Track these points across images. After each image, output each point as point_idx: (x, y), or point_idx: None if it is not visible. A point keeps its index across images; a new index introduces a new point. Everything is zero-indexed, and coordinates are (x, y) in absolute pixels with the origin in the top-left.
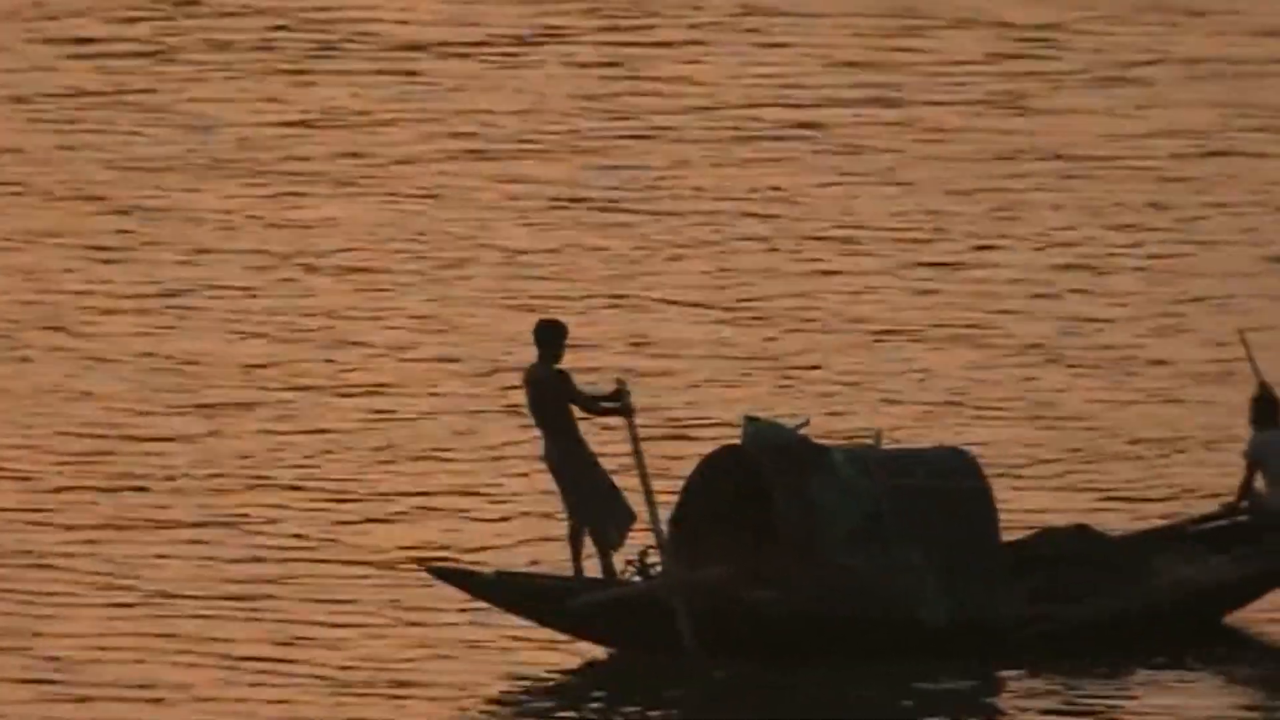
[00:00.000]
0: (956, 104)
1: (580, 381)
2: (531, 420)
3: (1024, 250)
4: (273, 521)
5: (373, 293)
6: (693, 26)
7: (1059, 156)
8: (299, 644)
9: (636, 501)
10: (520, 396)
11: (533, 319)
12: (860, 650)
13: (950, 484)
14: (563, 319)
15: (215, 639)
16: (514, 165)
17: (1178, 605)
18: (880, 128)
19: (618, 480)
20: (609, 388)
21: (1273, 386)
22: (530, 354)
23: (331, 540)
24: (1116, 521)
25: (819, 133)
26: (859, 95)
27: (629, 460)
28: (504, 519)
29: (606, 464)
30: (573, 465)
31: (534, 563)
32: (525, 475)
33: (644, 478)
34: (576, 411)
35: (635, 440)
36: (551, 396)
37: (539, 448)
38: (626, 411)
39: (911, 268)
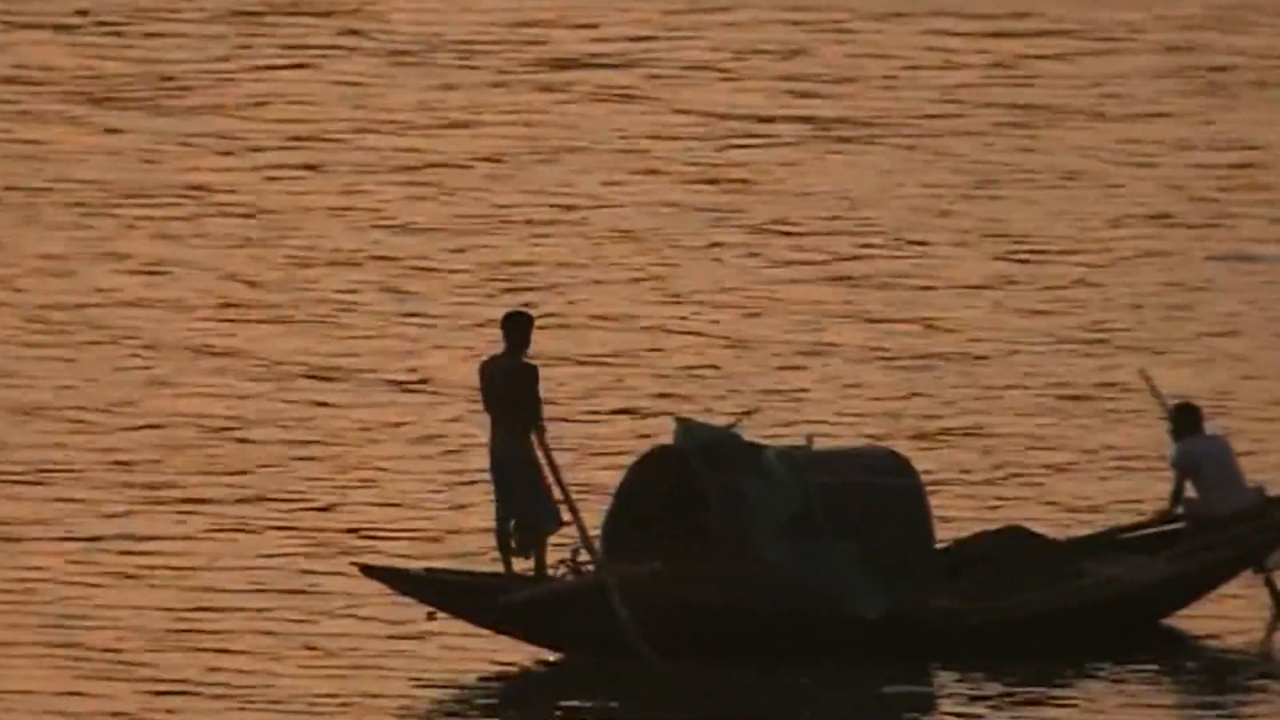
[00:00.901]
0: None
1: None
2: (483, 411)
3: (962, 258)
4: (208, 523)
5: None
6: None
7: (983, 163)
8: (229, 650)
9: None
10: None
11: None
12: (794, 647)
13: (882, 481)
14: (527, 310)
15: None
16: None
17: (1113, 603)
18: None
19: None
20: None
21: (1172, 411)
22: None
23: (262, 539)
24: (1049, 531)
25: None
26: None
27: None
28: (436, 515)
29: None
30: (517, 460)
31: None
32: (464, 472)
33: (559, 479)
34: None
35: (546, 447)
36: (519, 387)
37: (487, 439)
38: (538, 430)
39: (847, 280)
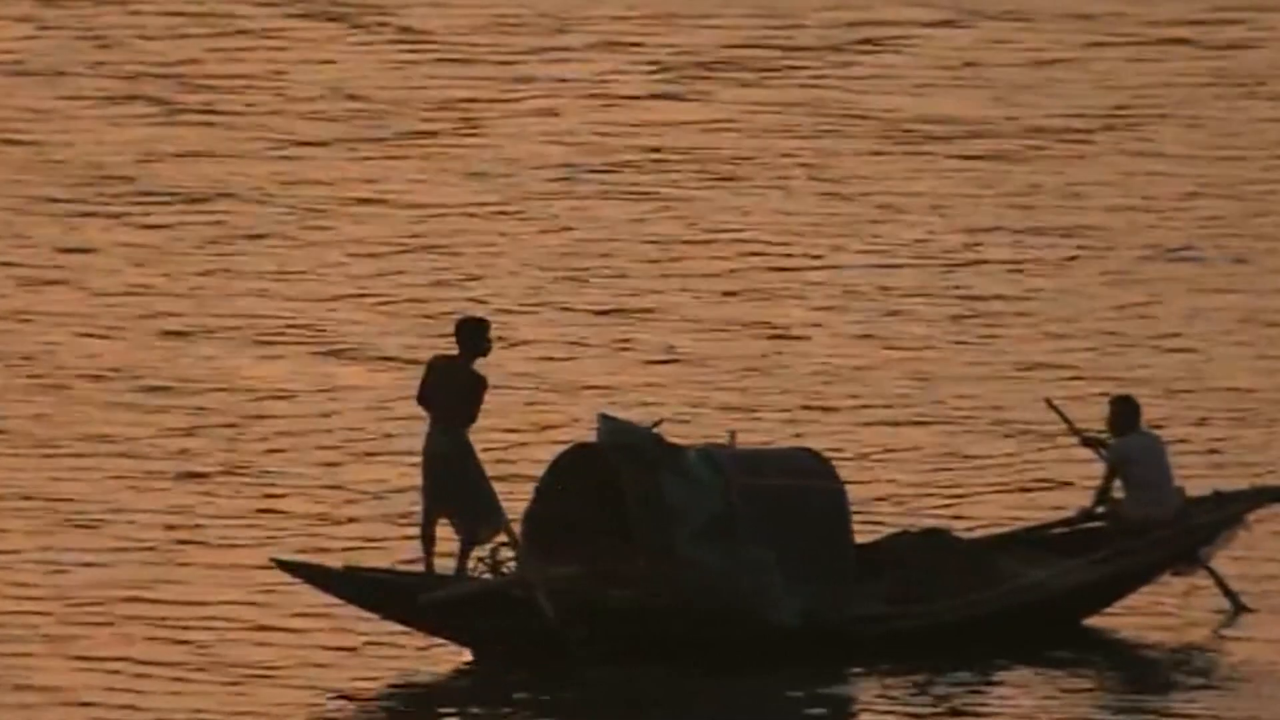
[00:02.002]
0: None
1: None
2: (419, 405)
3: (892, 248)
4: (128, 517)
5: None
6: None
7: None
8: (153, 642)
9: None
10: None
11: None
12: (711, 648)
13: (803, 483)
14: (483, 316)
15: (74, 638)
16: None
17: (1032, 607)
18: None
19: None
20: None
21: (1089, 441)
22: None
23: (185, 535)
24: (973, 524)
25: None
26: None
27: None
28: (359, 514)
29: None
30: (455, 461)
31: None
32: (389, 469)
33: (482, 475)
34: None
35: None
36: (467, 392)
37: (425, 438)
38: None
39: (776, 271)
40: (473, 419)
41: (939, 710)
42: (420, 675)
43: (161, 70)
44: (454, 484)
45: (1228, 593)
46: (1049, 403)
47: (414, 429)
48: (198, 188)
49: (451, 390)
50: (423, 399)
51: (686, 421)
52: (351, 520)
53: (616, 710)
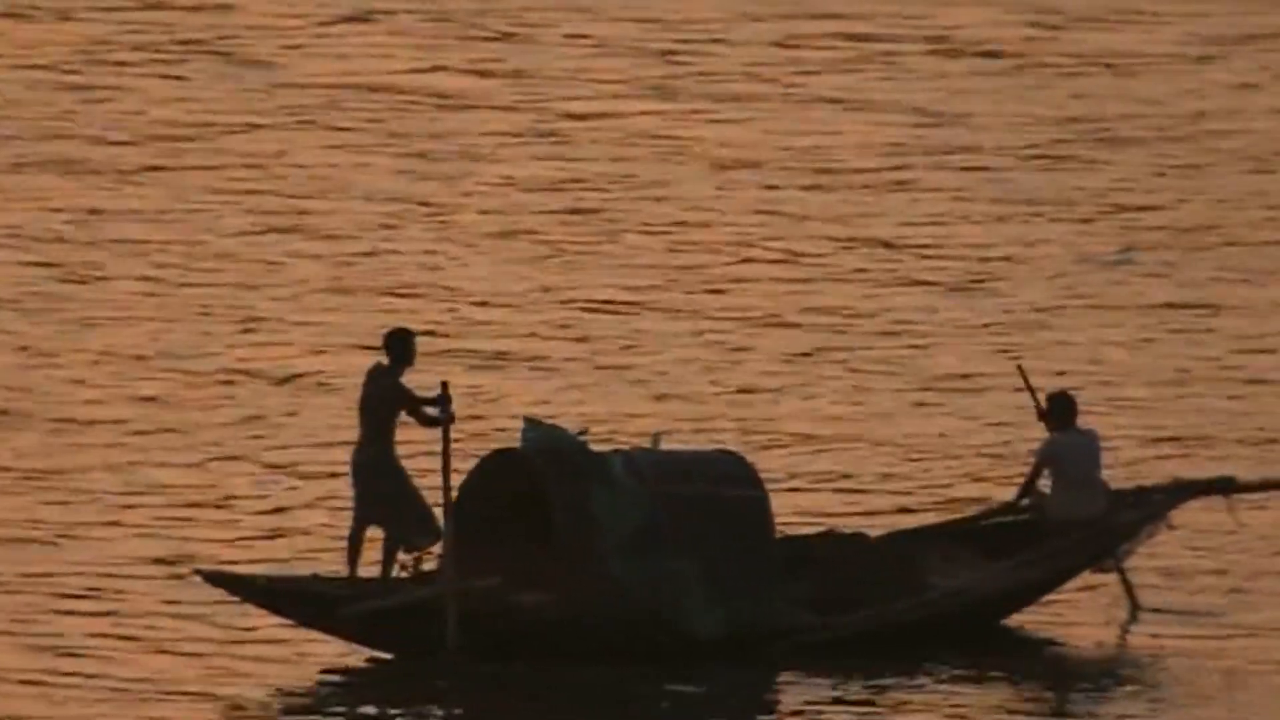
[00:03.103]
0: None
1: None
2: (357, 419)
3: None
4: (46, 526)
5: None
6: None
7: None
8: (72, 651)
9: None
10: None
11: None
12: (632, 658)
13: (726, 492)
14: (410, 327)
15: None
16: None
17: (954, 612)
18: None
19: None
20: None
21: (1047, 414)
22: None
23: (106, 543)
24: (895, 517)
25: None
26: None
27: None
28: (282, 523)
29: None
30: (379, 470)
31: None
32: (311, 479)
33: (446, 484)
34: (401, 420)
35: (447, 446)
36: (385, 401)
37: (353, 449)
38: (446, 418)
39: (703, 268)
40: (391, 430)
41: (860, 713)
42: (341, 679)
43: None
44: (376, 492)
45: (1129, 591)
46: (1020, 369)
47: (346, 438)
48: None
49: (374, 399)
50: (359, 410)
51: (611, 424)
52: (279, 530)
53: (524, 708)
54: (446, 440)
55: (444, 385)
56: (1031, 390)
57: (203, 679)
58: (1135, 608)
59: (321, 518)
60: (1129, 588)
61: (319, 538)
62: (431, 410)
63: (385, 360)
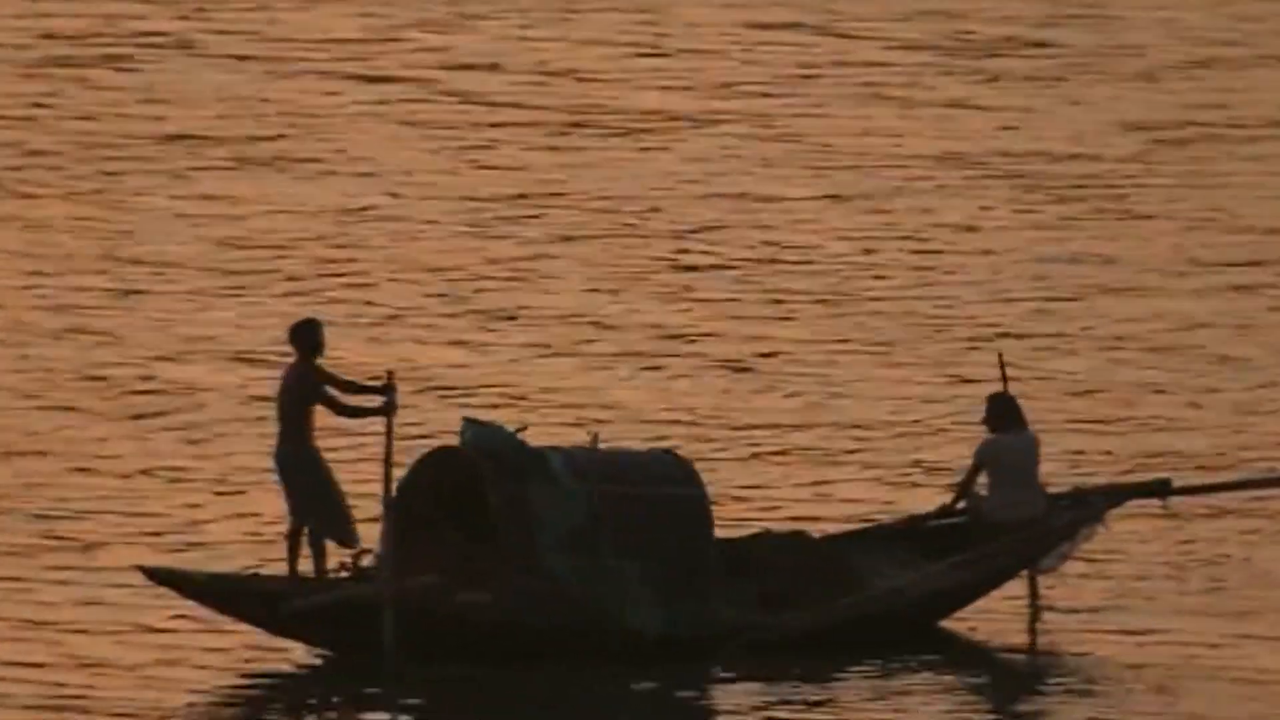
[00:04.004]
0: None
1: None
2: (275, 418)
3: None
4: None
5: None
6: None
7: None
8: (7, 644)
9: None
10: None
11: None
12: (571, 657)
13: (666, 491)
14: (317, 318)
15: None
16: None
17: (893, 612)
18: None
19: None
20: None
21: (1015, 399)
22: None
23: (48, 539)
24: (837, 519)
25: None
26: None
27: (374, 461)
28: (224, 520)
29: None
30: (301, 467)
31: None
32: (249, 476)
33: (388, 479)
34: (320, 416)
35: (389, 440)
36: (297, 394)
37: (273, 447)
38: (390, 409)
39: (641, 276)
40: (308, 422)
41: (795, 713)
42: (275, 677)
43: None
44: (300, 489)
45: (1034, 593)
46: (1000, 358)
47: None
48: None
49: (288, 395)
50: (277, 409)
51: (550, 422)
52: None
53: (469, 709)
54: (389, 437)
55: (389, 375)
56: (1006, 381)
57: (142, 677)
58: (1035, 607)
59: (269, 517)
60: (1034, 587)
61: (267, 536)
62: (374, 399)
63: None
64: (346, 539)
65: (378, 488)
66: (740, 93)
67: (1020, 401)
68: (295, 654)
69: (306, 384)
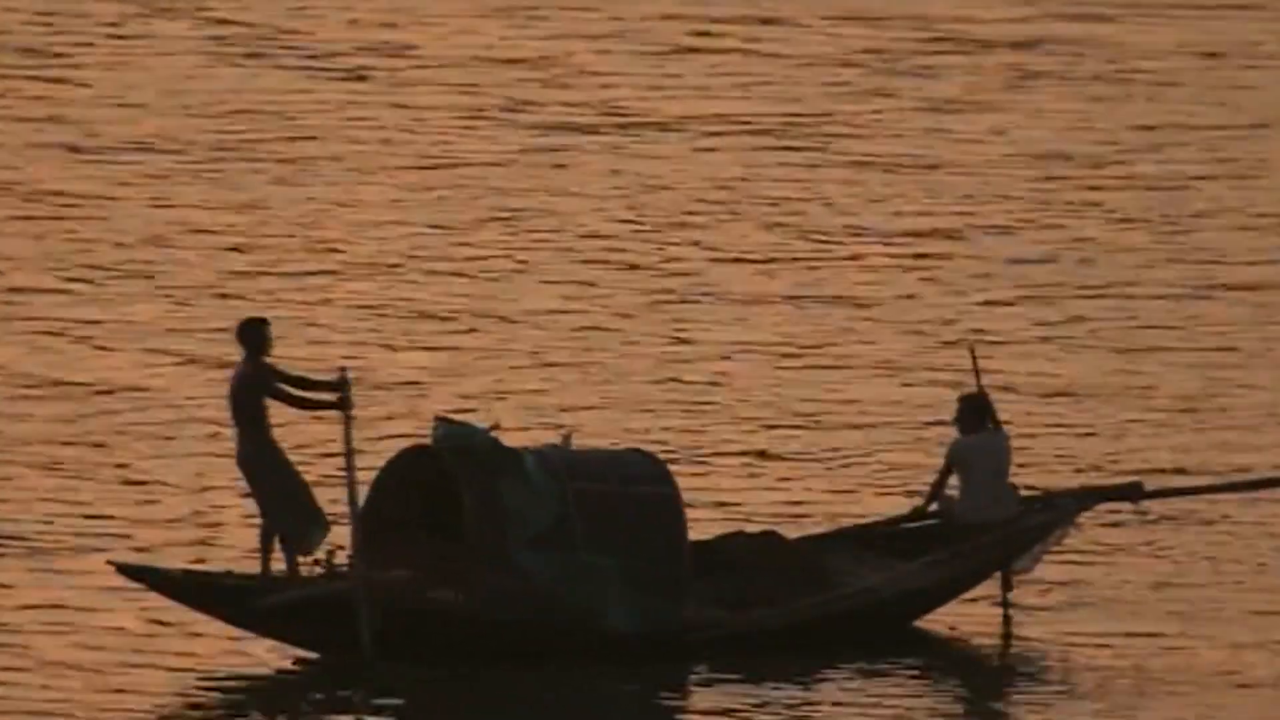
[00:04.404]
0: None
1: (301, 370)
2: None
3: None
4: None
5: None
6: None
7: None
8: None
9: (338, 496)
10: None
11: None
12: (545, 655)
13: (639, 489)
14: (264, 315)
15: None
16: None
17: (868, 612)
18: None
19: (331, 476)
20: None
21: (989, 395)
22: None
23: (19, 534)
24: (808, 521)
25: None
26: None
27: (338, 458)
28: (196, 515)
29: (317, 461)
30: (264, 465)
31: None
32: (223, 472)
33: (351, 475)
34: (274, 411)
35: (349, 436)
36: (249, 393)
37: (234, 448)
38: (345, 405)
39: (607, 268)
40: (264, 419)
41: (771, 713)
42: (251, 675)
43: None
44: (264, 488)
45: (1007, 590)
46: (971, 350)
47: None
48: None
49: (241, 394)
50: (230, 412)
51: (522, 422)
52: (198, 522)
53: (441, 710)
54: (348, 433)
55: (342, 370)
56: (978, 373)
57: (115, 673)
58: (1008, 605)
59: (245, 515)
60: (1007, 589)
61: (243, 535)
62: (327, 395)
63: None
64: (310, 545)
65: (344, 485)
66: (705, 92)
67: (992, 401)
68: (270, 653)
69: (256, 381)
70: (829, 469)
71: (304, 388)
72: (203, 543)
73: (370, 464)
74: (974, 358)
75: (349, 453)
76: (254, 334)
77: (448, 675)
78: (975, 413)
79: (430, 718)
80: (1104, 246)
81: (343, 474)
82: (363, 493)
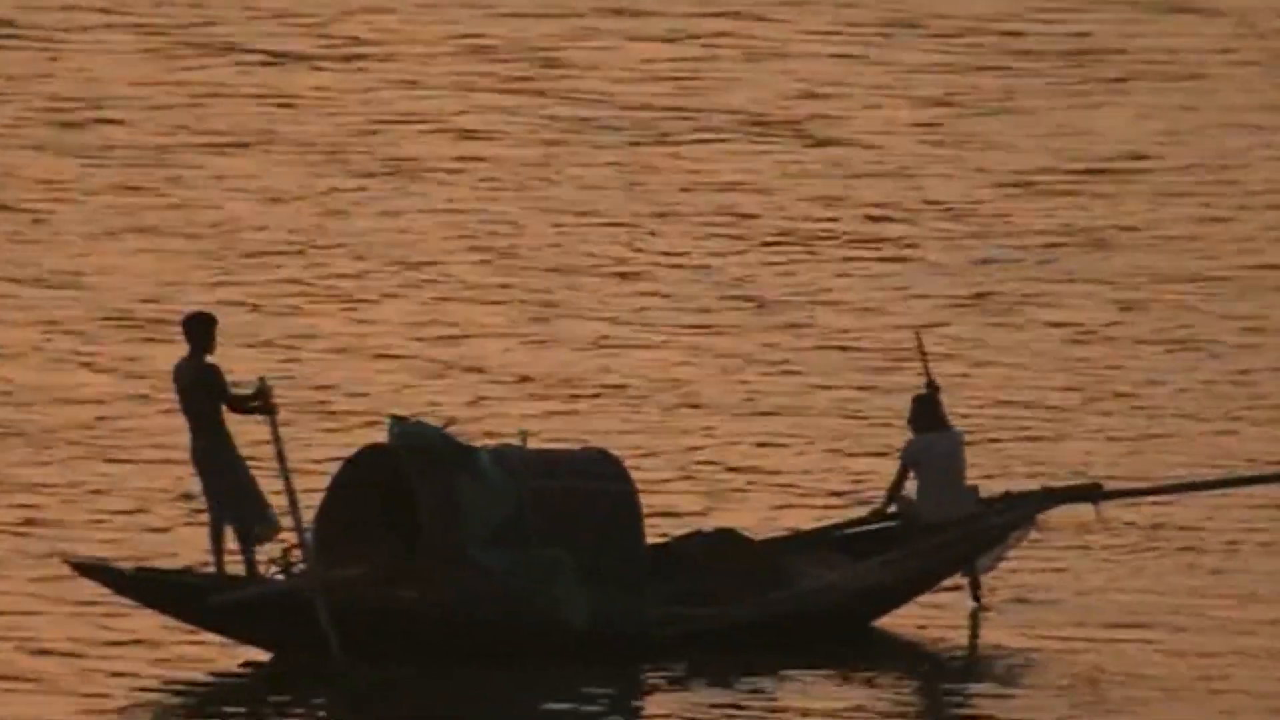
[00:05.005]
0: None
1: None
2: (182, 416)
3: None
4: None
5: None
6: None
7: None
8: None
9: (280, 500)
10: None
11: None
12: (503, 652)
13: (594, 485)
14: (211, 311)
15: None
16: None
17: (823, 609)
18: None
19: (266, 477)
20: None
21: (940, 388)
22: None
23: None
24: (765, 525)
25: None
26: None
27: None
28: (149, 514)
29: (254, 462)
30: (218, 462)
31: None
32: (172, 469)
33: (286, 475)
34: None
35: (277, 438)
36: (201, 391)
37: (188, 444)
38: (268, 410)
39: (564, 273)
40: (219, 415)
41: (728, 713)
42: (207, 675)
43: None
44: (220, 484)
45: (975, 592)
46: (917, 335)
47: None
48: None
49: (193, 391)
50: (180, 408)
51: (478, 422)
52: (147, 521)
53: (402, 708)
54: (277, 438)
55: (261, 380)
56: (926, 362)
57: (75, 674)
58: (977, 602)
59: (199, 514)
60: (975, 584)
61: (197, 533)
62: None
63: (189, 351)
64: (265, 535)
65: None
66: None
67: (942, 397)
68: (230, 654)
69: (210, 383)
70: (788, 475)
71: (233, 403)
72: (152, 544)
73: (318, 462)
74: (921, 347)
75: (280, 453)
76: (202, 329)
77: (414, 675)
78: (928, 411)
79: (389, 714)
80: (1065, 248)
81: (278, 477)
82: (320, 495)
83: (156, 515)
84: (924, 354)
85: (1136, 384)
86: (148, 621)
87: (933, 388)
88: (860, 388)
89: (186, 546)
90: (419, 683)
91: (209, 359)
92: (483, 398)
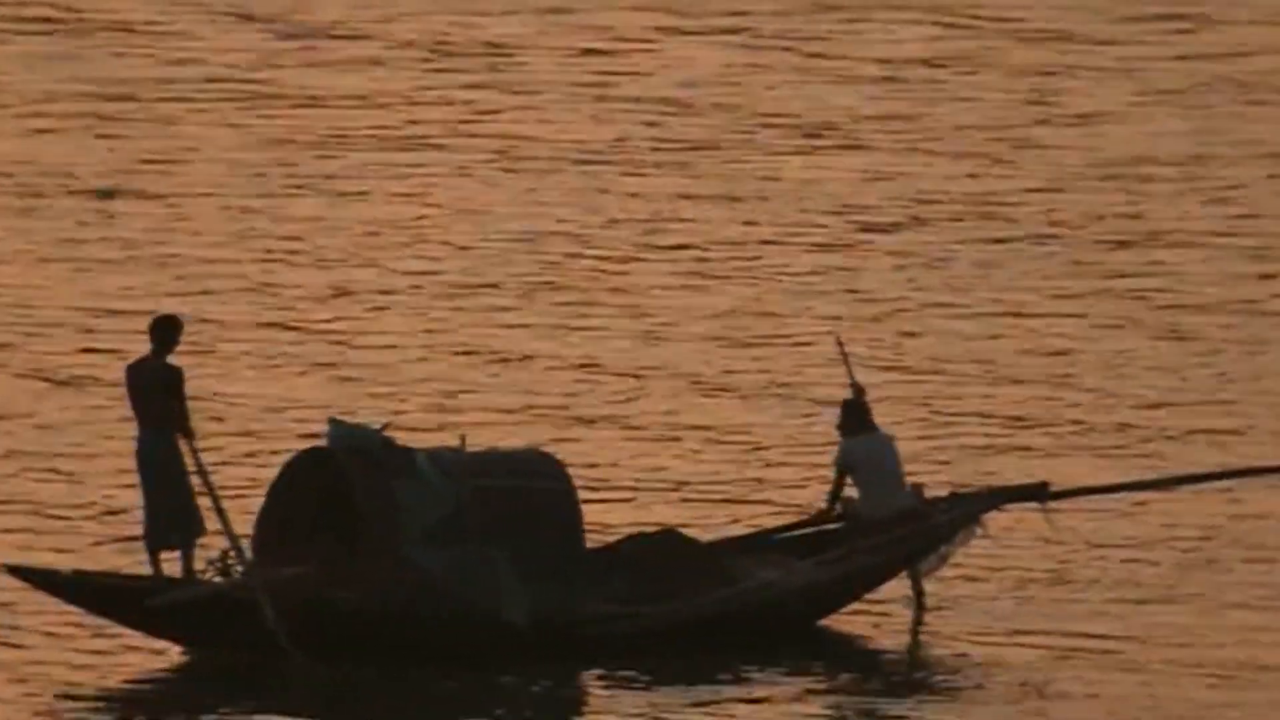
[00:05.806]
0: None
1: None
2: (132, 414)
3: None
4: None
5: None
6: None
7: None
8: None
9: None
10: (115, 394)
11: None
12: (443, 651)
13: (532, 484)
14: (179, 315)
15: None
16: None
17: (766, 607)
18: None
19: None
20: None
21: (865, 390)
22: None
23: None
24: (706, 528)
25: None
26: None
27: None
28: (93, 517)
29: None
30: (163, 461)
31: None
32: (117, 472)
33: (208, 482)
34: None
35: (196, 451)
36: (160, 389)
37: (135, 443)
38: (188, 433)
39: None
40: (182, 416)
41: (664, 709)
42: (144, 677)
43: None
44: (167, 486)
45: (918, 591)
46: (837, 339)
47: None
48: None
49: (153, 390)
50: (131, 405)
51: (418, 427)
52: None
53: (346, 707)
54: (195, 450)
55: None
56: (848, 365)
57: (18, 678)
58: (920, 607)
59: (135, 517)
60: (918, 587)
61: (125, 533)
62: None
63: (150, 351)
64: (190, 539)
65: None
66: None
67: (868, 399)
68: (172, 655)
69: (169, 383)
70: (729, 480)
71: (181, 413)
72: (90, 546)
73: (258, 466)
74: (842, 350)
75: (202, 469)
76: (168, 332)
77: (367, 674)
78: (855, 415)
79: (347, 717)
80: (1014, 262)
81: (201, 485)
82: (261, 498)
83: (100, 526)
84: (847, 358)
85: (1093, 388)
86: (89, 624)
87: (858, 391)
88: (791, 395)
89: (126, 556)
90: (380, 683)
91: (170, 360)
92: (432, 406)
